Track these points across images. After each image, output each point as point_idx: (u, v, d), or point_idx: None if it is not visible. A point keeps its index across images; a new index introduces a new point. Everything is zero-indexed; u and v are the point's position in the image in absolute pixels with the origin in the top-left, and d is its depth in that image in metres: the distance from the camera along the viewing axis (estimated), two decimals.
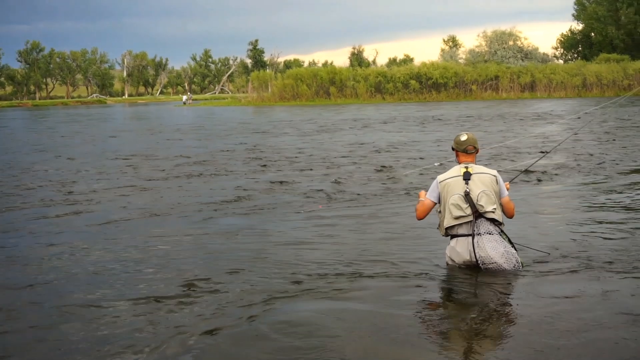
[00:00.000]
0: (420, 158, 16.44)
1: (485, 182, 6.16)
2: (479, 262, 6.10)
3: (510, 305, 5.47)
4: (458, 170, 6.27)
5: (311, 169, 14.67)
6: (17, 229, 8.94)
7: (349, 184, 12.25)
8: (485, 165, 6.54)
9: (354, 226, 8.62)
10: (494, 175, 6.26)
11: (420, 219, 6.53)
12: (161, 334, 5.00)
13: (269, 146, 20.67)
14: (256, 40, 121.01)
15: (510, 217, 6.48)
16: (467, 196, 6.11)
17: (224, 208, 10.09)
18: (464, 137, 6.39)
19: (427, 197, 6.41)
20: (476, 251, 6.09)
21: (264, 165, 15.56)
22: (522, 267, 6.22)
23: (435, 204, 6.38)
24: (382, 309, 5.38)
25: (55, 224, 9.24)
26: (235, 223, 8.99)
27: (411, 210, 9.37)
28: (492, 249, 6.06)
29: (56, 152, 20.52)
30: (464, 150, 6.36)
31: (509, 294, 5.71)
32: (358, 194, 11.09)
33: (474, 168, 6.25)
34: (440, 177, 6.34)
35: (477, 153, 6.48)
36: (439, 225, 6.43)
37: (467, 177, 6.17)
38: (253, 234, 8.26)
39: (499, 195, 6.24)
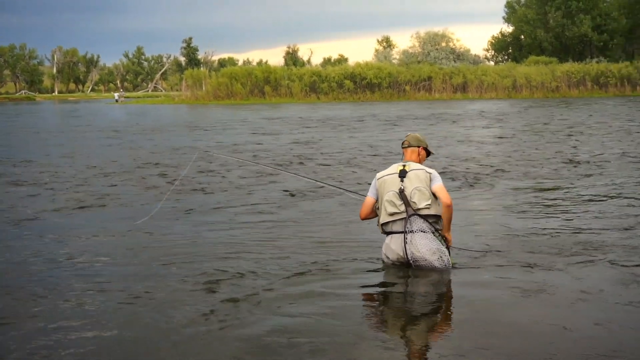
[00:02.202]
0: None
1: (420, 177, 6.20)
2: (409, 259, 6.13)
3: (445, 303, 5.53)
4: (396, 167, 6.37)
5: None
6: None
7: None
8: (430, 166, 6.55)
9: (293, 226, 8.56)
10: (429, 172, 6.27)
11: (362, 218, 6.64)
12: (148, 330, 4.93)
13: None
14: (190, 38, 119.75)
15: (446, 202, 6.12)
16: (401, 193, 6.17)
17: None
18: (406, 135, 6.71)
19: (368, 195, 6.52)
20: (407, 248, 6.12)
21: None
22: (453, 266, 6.25)
23: (376, 200, 6.43)
24: (318, 308, 5.32)
25: None
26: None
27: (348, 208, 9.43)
28: (423, 246, 6.09)
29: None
30: (402, 145, 6.63)
31: (442, 292, 5.77)
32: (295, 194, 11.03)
33: (410, 166, 6.32)
34: (378, 174, 6.46)
35: (419, 152, 6.56)
36: (378, 223, 6.45)
37: (402, 174, 6.25)
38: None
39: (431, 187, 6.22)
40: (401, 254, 6.20)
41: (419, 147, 6.56)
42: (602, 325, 4.88)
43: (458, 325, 5.01)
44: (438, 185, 6.21)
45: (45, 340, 4.76)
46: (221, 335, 4.82)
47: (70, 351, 4.56)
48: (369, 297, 5.70)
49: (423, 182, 6.19)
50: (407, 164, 6.36)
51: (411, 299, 5.63)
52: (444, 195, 6.16)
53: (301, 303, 5.45)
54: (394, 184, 6.25)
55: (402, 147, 6.64)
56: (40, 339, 4.77)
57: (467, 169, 13.88)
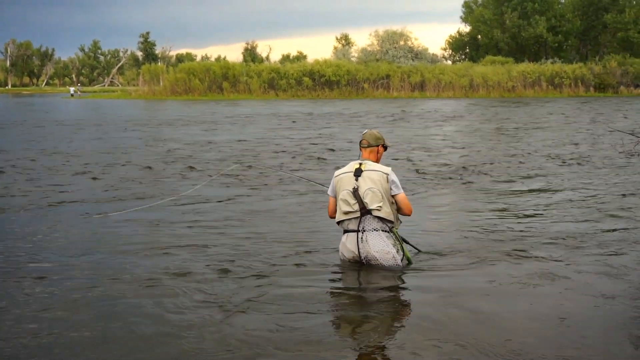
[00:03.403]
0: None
1: (374, 179, 6.19)
2: (362, 257, 6.22)
3: (398, 302, 5.55)
4: (352, 166, 6.36)
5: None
6: None
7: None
8: (387, 164, 6.57)
9: (253, 221, 8.59)
10: (386, 173, 6.24)
11: (331, 216, 6.61)
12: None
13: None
14: (147, 33, 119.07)
15: (407, 213, 6.39)
16: (355, 192, 6.18)
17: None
18: (364, 132, 6.60)
19: (329, 193, 6.54)
20: (360, 247, 6.20)
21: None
22: (410, 264, 6.34)
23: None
24: (276, 307, 5.34)
25: None
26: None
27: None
28: (374, 245, 6.17)
29: None
30: (360, 144, 6.55)
31: (399, 291, 5.80)
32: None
33: (367, 165, 6.30)
34: (336, 172, 6.47)
35: (378, 150, 6.53)
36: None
37: (358, 173, 6.24)
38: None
39: (390, 192, 6.24)
40: (356, 252, 6.26)
41: (377, 146, 6.52)
42: (565, 321, 4.98)
43: (415, 323, 5.04)
44: (400, 195, 6.27)
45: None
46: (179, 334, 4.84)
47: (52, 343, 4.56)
48: (324, 296, 5.70)
49: (377, 183, 6.19)
50: (364, 162, 6.34)
51: (366, 298, 5.63)
52: (406, 207, 6.32)
53: (260, 300, 5.48)
54: (349, 182, 6.25)
55: (361, 147, 6.55)
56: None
57: (430, 167, 14.02)
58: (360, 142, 6.56)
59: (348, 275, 6.20)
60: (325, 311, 5.33)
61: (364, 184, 6.18)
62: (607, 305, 5.34)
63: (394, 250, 6.21)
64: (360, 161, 6.38)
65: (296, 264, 6.52)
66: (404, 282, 5.97)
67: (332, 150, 17.69)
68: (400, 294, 5.75)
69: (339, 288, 5.97)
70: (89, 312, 5.24)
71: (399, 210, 6.34)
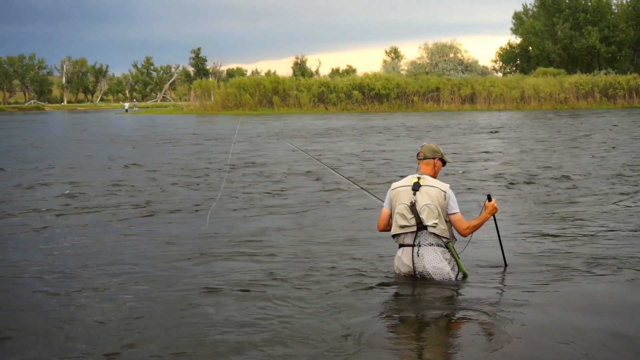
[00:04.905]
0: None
1: (431, 195, 6.16)
2: (417, 272, 6.22)
3: (457, 317, 5.54)
4: (410, 180, 6.33)
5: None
6: None
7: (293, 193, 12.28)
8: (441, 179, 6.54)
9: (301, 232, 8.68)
10: (444, 191, 6.20)
11: (380, 229, 6.60)
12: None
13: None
14: (199, 49, 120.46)
15: (461, 233, 6.32)
16: (412, 207, 6.16)
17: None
18: (422, 145, 6.59)
19: (384, 206, 6.51)
20: (415, 261, 6.20)
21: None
22: (466, 277, 6.33)
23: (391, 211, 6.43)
24: (325, 315, 5.43)
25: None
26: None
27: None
28: (429, 261, 6.16)
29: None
30: (417, 156, 6.54)
31: (451, 305, 5.78)
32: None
33: (425, 180, 6.27)
34: (393, 185, 6.44)
35: (435, 164, 6.47)
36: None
37: (416, 187, 6.21)
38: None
39: (446, 211, 6.21)
40: (411, 266, 6.25)
41: (434, 158, 6.46)
42: (614, 336, 4.95)
43: (469, 338, 5.05)
44: (456, 215, 6.22)
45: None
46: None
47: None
48: (381, 309, 5.71)
49: (435, 200, 6.15)
50: (422, 177, 6.31)
51: (421, 312, 5.61)
52: (460, 227, 6.24)
53: (321, 311, 5.56)
54: (407, 196, 6.22)
55: (418, 159, 6.53)
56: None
57: (493, 178, 13.94)
58: (417, 154, 6.54)
59: (404, 288, 6.20)
60: (382, 323, 5.39)
61: (422, 199, 6.16)
62: None
63: (448, 267, 6.19)
64: (418, 175, 6.35)
65: (349, 277, 6.58)
66: (461, 296, 5.96)
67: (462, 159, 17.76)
68: (459, 309, 5.72)
69: (395, 300, 5.98)
70: (166, 319, 5.39)
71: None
